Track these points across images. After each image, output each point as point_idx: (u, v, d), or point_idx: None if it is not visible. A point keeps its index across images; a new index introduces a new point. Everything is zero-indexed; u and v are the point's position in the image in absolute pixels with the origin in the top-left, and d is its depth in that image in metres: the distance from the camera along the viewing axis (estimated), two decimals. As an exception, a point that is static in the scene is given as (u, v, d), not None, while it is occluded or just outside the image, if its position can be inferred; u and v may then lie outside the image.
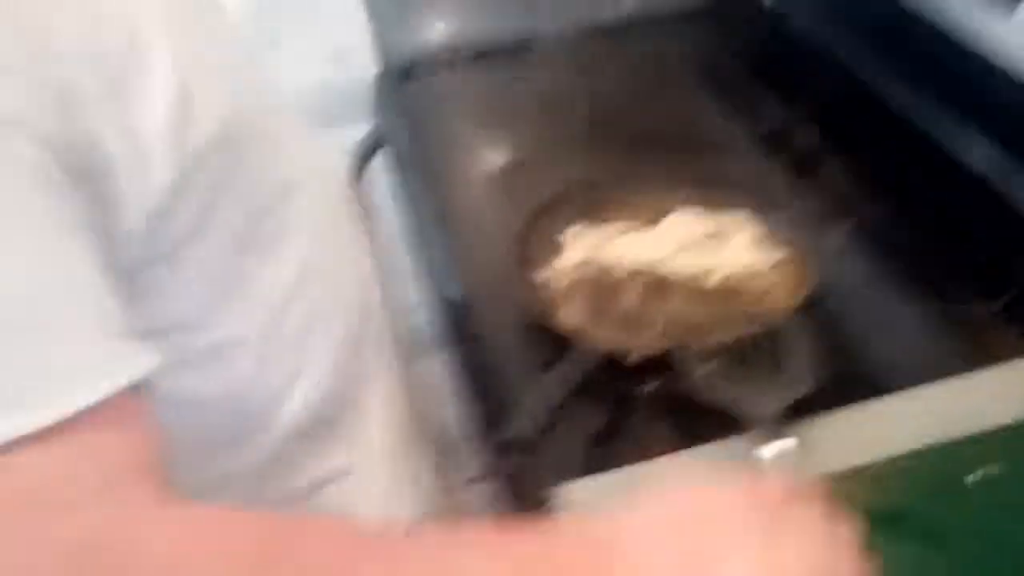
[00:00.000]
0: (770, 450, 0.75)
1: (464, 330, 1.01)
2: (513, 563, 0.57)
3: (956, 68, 1.08)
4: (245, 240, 0.72)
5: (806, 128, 1.22)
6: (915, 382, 0.84)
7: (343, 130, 1.31)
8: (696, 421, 0.81)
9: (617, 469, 0.79)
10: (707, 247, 0.99)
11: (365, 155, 1.33)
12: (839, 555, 0.58)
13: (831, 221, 1.02)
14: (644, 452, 0.80)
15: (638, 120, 1.26)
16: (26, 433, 0.50)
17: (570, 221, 1.03)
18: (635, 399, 0.86)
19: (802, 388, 0.79)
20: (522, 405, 0.85)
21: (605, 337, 0.90)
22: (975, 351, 0.91)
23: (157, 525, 0.52)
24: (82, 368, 0.54)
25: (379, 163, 1.34)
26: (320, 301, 0.79)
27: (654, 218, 1.03)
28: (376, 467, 0.86)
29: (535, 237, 1.01)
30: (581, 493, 0.77)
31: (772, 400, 0.76)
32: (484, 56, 1.38)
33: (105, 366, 0.54)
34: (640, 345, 0.87)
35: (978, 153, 1.04)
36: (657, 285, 0.95)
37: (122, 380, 0.54)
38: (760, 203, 1.03)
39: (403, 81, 1.38)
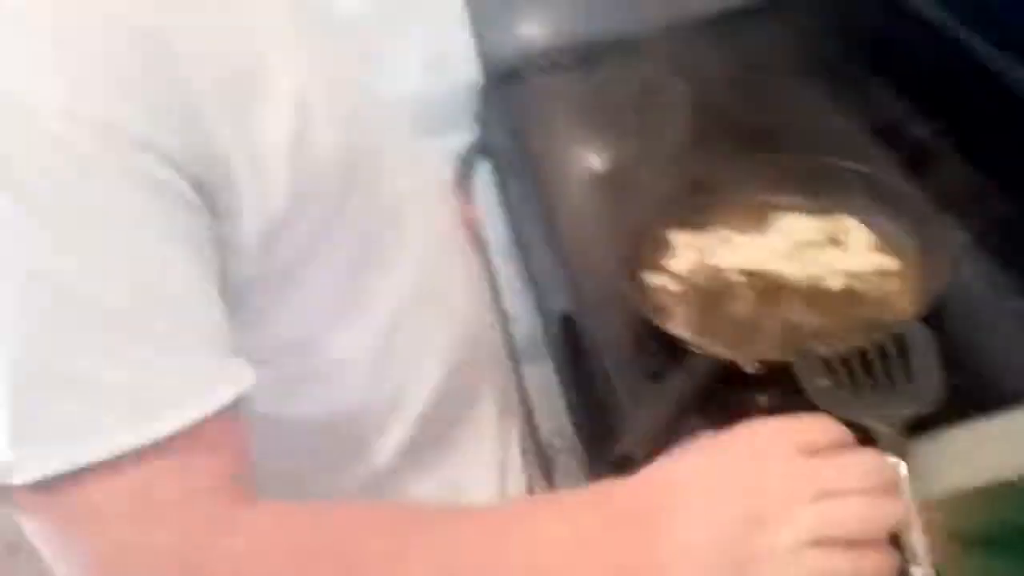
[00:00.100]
0: (896, 467, 0.71)
1: (571, 339, 0.99)
2: (560, 522, 0.59)
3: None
4: (359, 260, 0.72)
5: (924, 120, 1.16)
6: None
7: (445, 139, 1.30)
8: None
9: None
10: (822, 250, 0.95)
11: (468, 164, 1.32)
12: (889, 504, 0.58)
13: (952, 220, 0.97)
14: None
15: (744, 116, 1.22)
16: (128, 448, 0.53)
17: (677, 224, 1.01)
18: (751, 411, 0.83)
19: (928, 401, 0.75)
20: (633, 417, 0.83)
21: (719, 346, 0.87)
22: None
23: (234, 532, 0.56)
24: (187, 383, 0.55)
25: (482, 171, 1.34)
26: (430, 318, 0.78)
27: (763, 218, 1.00)
28: (487, 481, 0.85)
29: (642, 242, 0.99)
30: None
31: (896, 413, 0.73)
32: (586, 57, 1.36)
33: (209, 382, 0.56)
34: (756, 354, 0.84)
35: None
36: (772, 291, 0.92)
37: (224, 398, 0.56)
38: (875, 202, 0.99)
39: (505, 87, 1.37)
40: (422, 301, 0.77)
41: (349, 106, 0.71)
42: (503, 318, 0.99)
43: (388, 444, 0.76)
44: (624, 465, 0.80)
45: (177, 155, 0.55)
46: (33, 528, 0.56)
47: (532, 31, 1.41)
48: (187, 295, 0.57)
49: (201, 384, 0.56)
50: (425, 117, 1.15)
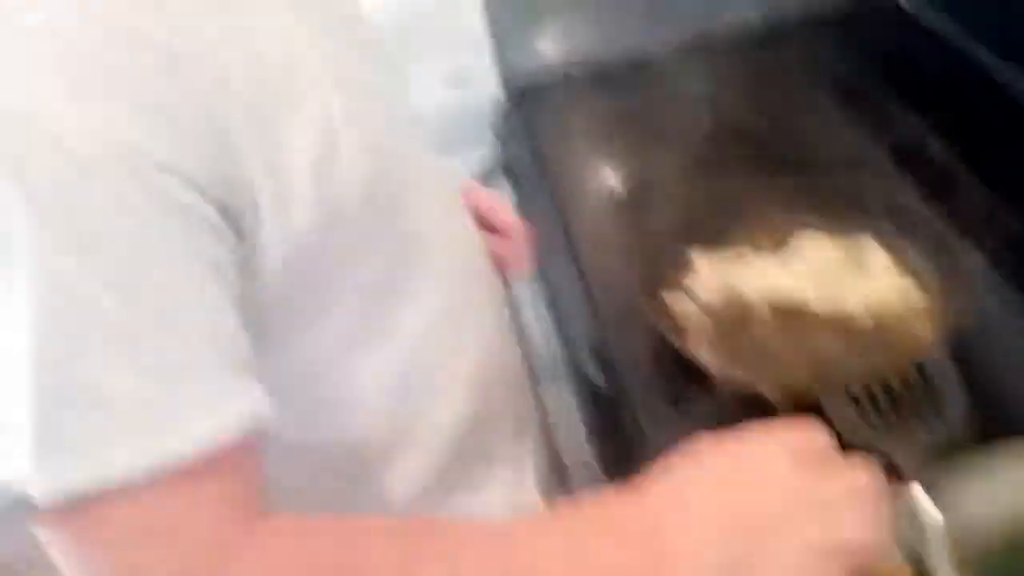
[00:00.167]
0: (921, 497, 0.71)
1: (592, 361, 0.99)
2: (563, 534, 0.60)
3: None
4: (383, 285, 0.71)
5: (944, 141, 1.16)
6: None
7: (464, 156, 1.30)
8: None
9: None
10: (844, 274, 0.95)
11: (486, 179, 1.32)
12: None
13: (973, 243, 0.97)
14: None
15: (763, 135, 1.22)
16: (143, 468, 0.53)
17: (697, 244, 1.01)
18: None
19: (951, 430, 0.75)
20: (655, 443, 0.83)
21: (740, 371, 0.87)
22: None
23: (246, 556, 0.56)
24: (206, 407, 0.55)
25: (502, 189, 1.34)
26: (454, 343, 0.78)
27: (782, 239, 1.00)
28: (504, 504, 0.85)
29: (663, 262, 0.99)
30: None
31: (921, 443, 0.73)
32: (605, 74, 1.36)
33: (227, 406, 0.56)
34: (779, 383, 0.84)
35: None
36: (795, 317, 0.92)
37: (243, 422, 0.56)
38: (895, 224, 0.99)
39: (525, 105, 1.37)
40: (446, 326, 0.77)
41: (374, 127, 0.70)
42: (523, 339, 0.99)
43: (407, 470, 0.76)
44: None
45: (202, 179, 0.55)
46: (50, 542, 0.56)
47: (553, 49, 1.41)
48: (209, 318, 0.57)
49: (219, 408, 0.56)
50: (444, 134, 1.16)
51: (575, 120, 1.36)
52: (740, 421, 0.81)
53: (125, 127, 0.53)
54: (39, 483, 0.53)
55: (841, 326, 0.91)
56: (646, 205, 1.14)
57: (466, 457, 0.81)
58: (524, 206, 1.23)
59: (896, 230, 0.98)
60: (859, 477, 0.58)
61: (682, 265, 0.99)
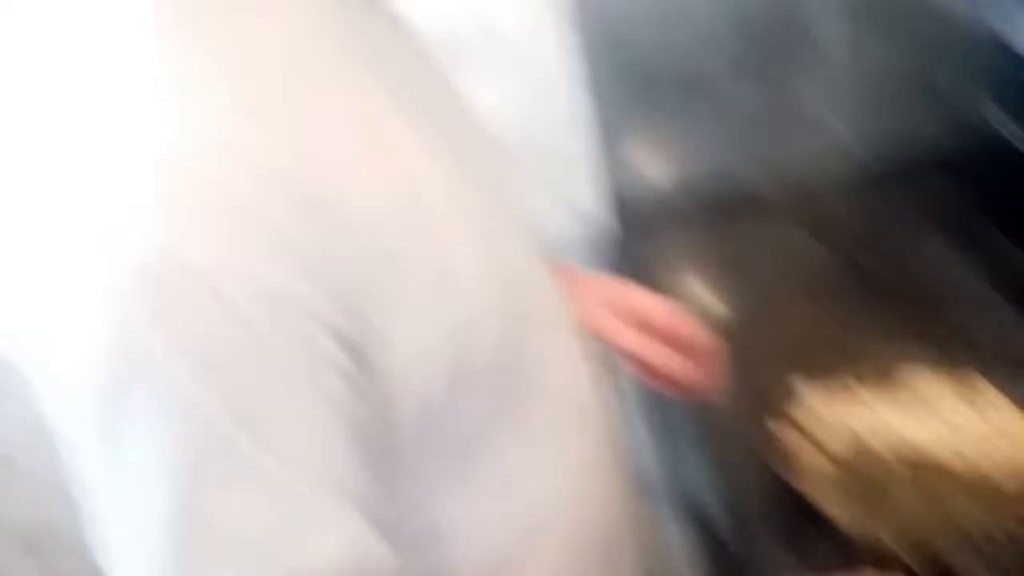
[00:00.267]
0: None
1: (700, 495, 0.99)
2: None
3: None
4: (493, 414, 0.68)
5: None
6: None
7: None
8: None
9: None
10: (966, 420, 0.93)
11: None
12: None
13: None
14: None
15: (871, 274, 1.23)
16: None
17: (802, 374, 1.01)
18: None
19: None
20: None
21: (869, 523, 0.85)
22: None
23: None
24: (332, 554, 0.56)
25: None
26: (558, 473, 0.75)
27: (888, 376, 1.00)
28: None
29: (771, 396, 0.99)
30: None
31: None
32: (714, 210, 1.37)
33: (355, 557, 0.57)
34: (909, 536, 0.82)
35: None
36: (930, 472, 0.89)
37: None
38: (1006, 362, 0.98)
39: (631, 236, 1.38)
40: (549, 457, 0.74)
41: (507, 270, 0.68)
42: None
43: None
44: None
45: (327, 314, 0.55)
46: None
47: (665, 178, 1.43)
48: (338, 467, 0.57)
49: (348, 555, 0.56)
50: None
51: (682, 254, 1.36)
52: (858, 566, 0.81)
53: (268, 272, 0.53)
54: None
55: (964, 475, 0.89)
56: (754, 338, 1.12)
57: None
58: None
59: (1007, 366, 0.97)
60: None
61: (788, 395, 0.99)
